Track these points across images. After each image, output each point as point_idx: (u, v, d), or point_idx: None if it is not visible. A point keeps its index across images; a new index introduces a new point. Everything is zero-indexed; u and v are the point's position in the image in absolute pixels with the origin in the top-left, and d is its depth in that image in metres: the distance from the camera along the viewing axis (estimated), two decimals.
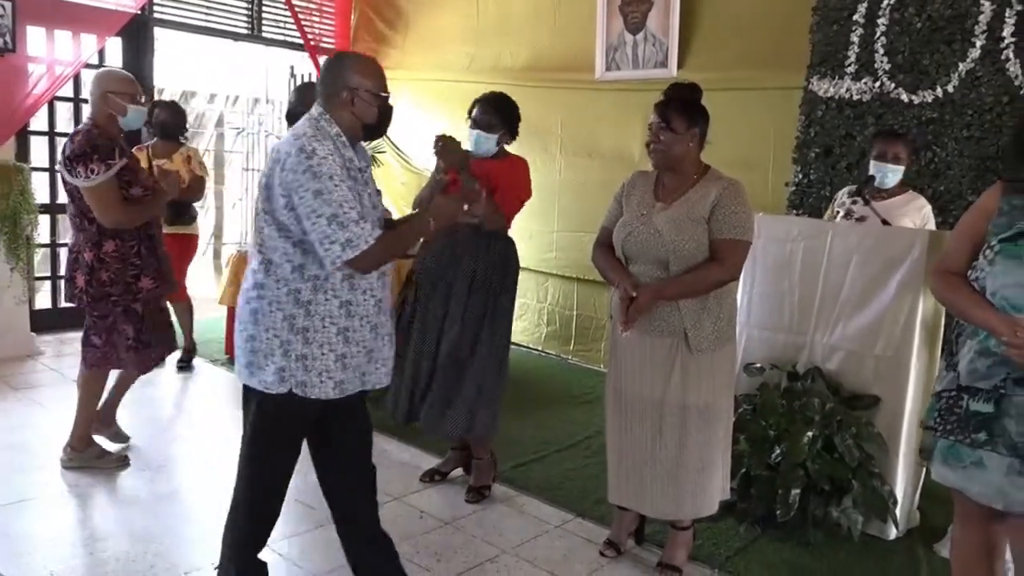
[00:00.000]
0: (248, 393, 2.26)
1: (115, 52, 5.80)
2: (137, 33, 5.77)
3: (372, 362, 2.29)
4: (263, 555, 2.78)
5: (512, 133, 3.30)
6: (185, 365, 5.00)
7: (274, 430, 2.28)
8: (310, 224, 2.06)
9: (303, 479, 3.42)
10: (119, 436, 3.65)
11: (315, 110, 2.22)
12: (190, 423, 4.10)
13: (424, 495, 3.33)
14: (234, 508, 2.37)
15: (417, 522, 3.09)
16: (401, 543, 2.89)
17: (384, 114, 2.28)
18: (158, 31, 6.01)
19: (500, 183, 3.15)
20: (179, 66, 7.24)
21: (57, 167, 3.16)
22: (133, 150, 4.92)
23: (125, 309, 3.23)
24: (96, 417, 3.49)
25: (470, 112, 3.29)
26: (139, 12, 5.58)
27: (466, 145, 3.25)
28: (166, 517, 3.04)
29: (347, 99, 2.20)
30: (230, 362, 5.13)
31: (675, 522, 2.78)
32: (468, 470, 3.47)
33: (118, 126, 3.22)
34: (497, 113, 3.23)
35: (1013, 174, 2.06)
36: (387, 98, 2.27)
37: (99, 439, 3.52)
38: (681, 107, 2.58)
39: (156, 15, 5.92)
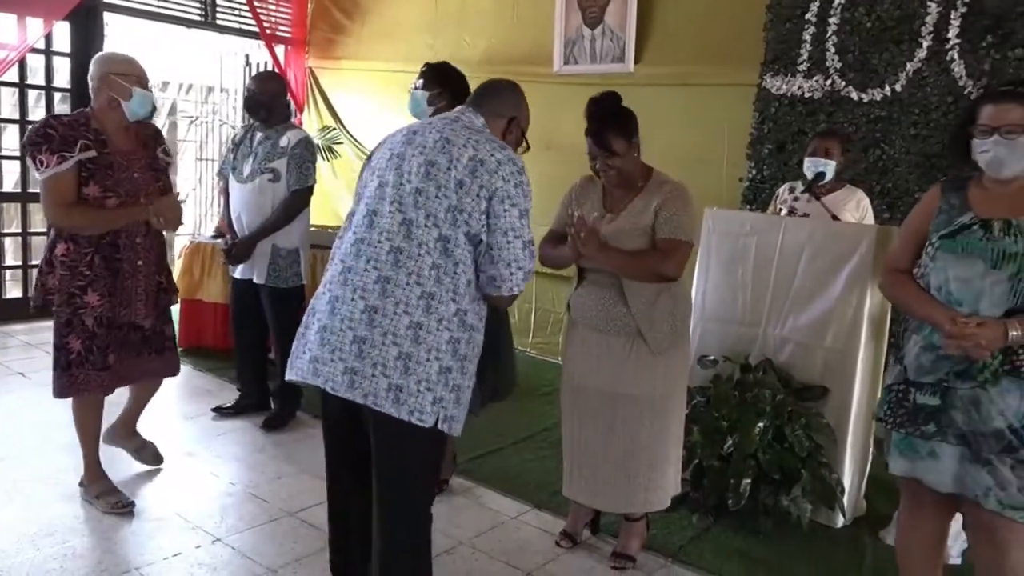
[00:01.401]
0: (382, 424, 1.93)
1: (63, 37, 5.65)
2: (86, 18, 5.61)
3: None
4: (215, 548, 2.76)
5: (451, 98, 3.11)
6: None
7: (426, 468, 2.05)
8: (505, 240, 1.90)
9: (258, 473, 3.40)
10: (144, 450, 3.36)
11: (477, 119, 2.06)
12: (141, 417, 4.02)
13: None
14: (410, 550, 2.08)
15: None
16: None
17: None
18: (108, 16, 5.86)
19: None
20: (130, 53, 7.07)
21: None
22: None
23: (68, 320, 2.84)
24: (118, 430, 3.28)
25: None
26: None
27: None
28: (117, 511, 2.98)
29: (511, 128, 2.13)
30: (184, 354, 5.03)
31: (629, 513, 2.81)
32: None
33: (121, 114, 2.86)
34: (436, 73, 3.15)
35: (953, 171, 2.15)
36: (526, 148, 2.23)
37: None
38: (615, 128, 2.54)
39: (106, 0, 5.77)
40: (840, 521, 3.12)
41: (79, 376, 2.86)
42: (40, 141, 2.71)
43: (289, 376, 2.06)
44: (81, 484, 3.06)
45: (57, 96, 5.80)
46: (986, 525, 2.03)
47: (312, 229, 4.17)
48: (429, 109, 3.12)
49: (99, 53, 3.01)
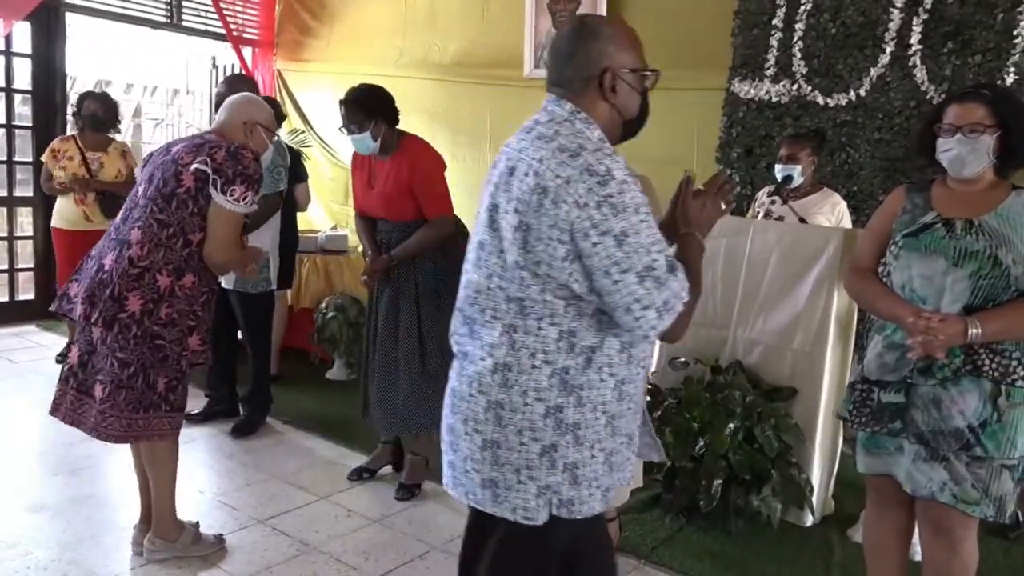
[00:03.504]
0: (494, 525, 1.62)
1: (24, 38, 5.54)
2: (47, 18, 5.52)
3: (630, 454, 1.70)
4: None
5: (389, 120, 3.15)
6: None
7: (522, 568, 1.65)
8: (609, 282, 1.46)
9: (227, 480, 3.35)
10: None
11: (563, 107, 1.58)
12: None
13: (352, 493, 3.30)
14: None
15: (344, 521, 3.05)
16: (329, 542, 2.87)
17: (645, 105, 1.69)
18: (70, 16, 5.76)
19: (414, 173, 3.11)
20: (93, 54, 6.95)
21: (197, 164, 2.46)
22: (58, 140, 4.72)
23: (167, 359, 2.50)
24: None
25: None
26: None
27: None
28: (82, 523, 2.93)
29: (608, 85, 1.58)
30: None
31: None
32: (397, 467, 3.45)
33: None
34: (360, 109, 3.11)
35: (917, 175, 2.19)
36: (655, 79, 1.68)
37: None
38: None
39: (68, 0, 5.67)
40: (809, 520, 3.15)
41: (155, 421, 2.57)
42: (257, 178, 2.53)
43: None
44: (154, 544, 2.69)
45: (18, 98, 5.68)
46: (939, 521, 2.08)
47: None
48: (376, 144, 3.12)
49: (245, 96, 2.83)
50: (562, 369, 1.53)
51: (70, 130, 4.86)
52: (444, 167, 3.23)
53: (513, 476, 1.54)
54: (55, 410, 2.65)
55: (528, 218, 1.48)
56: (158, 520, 2.69)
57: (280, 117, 4.05)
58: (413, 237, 3.12)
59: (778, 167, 3.56)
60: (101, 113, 4.64)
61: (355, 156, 3.34)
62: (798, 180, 3.55)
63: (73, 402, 2.61)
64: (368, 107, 3.11)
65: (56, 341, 5.16)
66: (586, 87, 1.59)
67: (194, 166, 2.46)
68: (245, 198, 2.49)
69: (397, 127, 3.21)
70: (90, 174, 4.55)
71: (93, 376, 2.57)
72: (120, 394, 2.50)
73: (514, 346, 1.53)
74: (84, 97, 4.73)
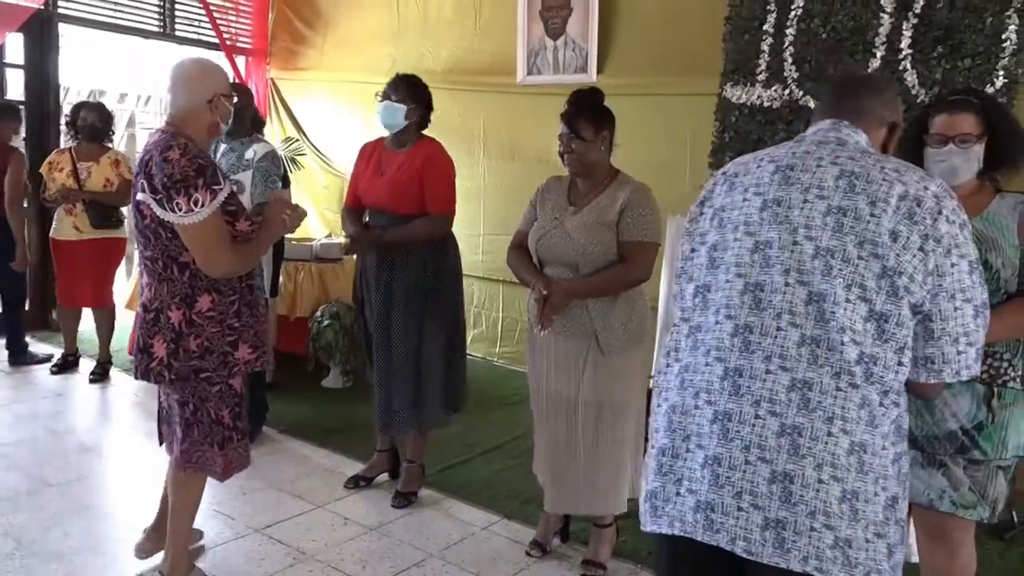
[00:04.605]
0: None
1: (16, 49, 5.54)
2: (40, 29, 5.52)
3: None
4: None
5: (421, 114, 3.22)
6: (99, 376, 4.79)
7: None
8: (951, 308, 1.37)
9: (224, 490, 3.35)
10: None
11: (860, 136, 1.53)
12: (103, 436, 3.94)
13: (349, 501, 3.30)
14: None
15: (341, 529, 3.05)
16: (326, 551, 2.87)
17: None
18: (63, 27, 5.76)
19: (427, 166, 3.14)
20: (87, 64, 6.95)
21: (139, 196, 2.26)
22: (54, 153, 4.71)
23: (221, 389, 2.38)
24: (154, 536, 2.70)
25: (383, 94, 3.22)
26: (42, 7, 5.35)
27: (377, 121, 3.25)
28: (78, 534, 2.92)
29: (892, 138, 1.63)
30: None
31: (598, 520, 2.83)
32: (394, 475, 3.45)
33: (209, 139, 2.42)
34: (411, 89, 3.18)
35: None
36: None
37: None
38: (587, 114, 2.65)
39: (60, 10, 5.67)
40: None
41: (232, 454, 2.45)
42: (194, 176, 2.18)
43: (653, 527, 1.53)
44: None
45: None
46: (939, 529, 2.09)
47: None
48: (403, 122, 3.14)
49: (194, 62, 2.44)
50: (902, 411, 1.40)
51: (64, 141, 4.85)
52: (455, 173, 3.29)
53: (862, 533, 1.33)
54: (164, 442, 2.62)
55: (898, 225, 1.37)
56: (168, 559, 2.53)
57: (259, 124, 4.05)
58: (409, 224, 3.13)
59: None
60: (99, 124, 4.64)
61: (363, 149, 3.37)
62: None
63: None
64: (415, 94, 3.20)
65: (52, 352, 5.15)
66: (880, 128, 1.60)
67: (139, 196, 2.26)
68: (196, 203, 2.17)
69: (422, 131, 3.28)
70: (79, 184, 4.55)
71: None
72: (191, 431, 2.41)
73: (870, 377, 1.35)
74: (80, 107, 4.73)
